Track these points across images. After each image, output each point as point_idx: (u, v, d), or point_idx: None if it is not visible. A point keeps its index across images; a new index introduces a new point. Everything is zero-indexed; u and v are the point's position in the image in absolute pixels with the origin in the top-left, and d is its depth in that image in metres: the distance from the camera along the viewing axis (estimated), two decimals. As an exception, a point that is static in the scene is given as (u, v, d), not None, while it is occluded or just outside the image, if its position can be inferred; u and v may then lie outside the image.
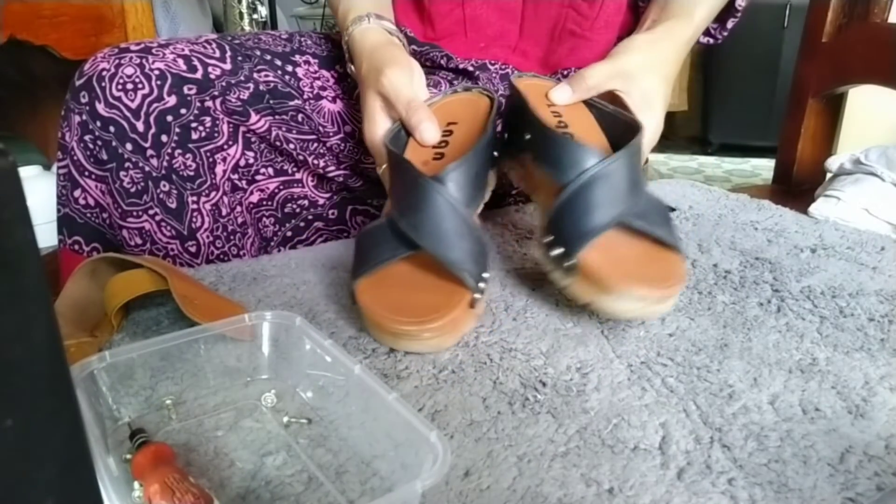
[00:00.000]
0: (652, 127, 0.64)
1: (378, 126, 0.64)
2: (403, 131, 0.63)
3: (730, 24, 0.80)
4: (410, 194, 0.54)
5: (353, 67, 0.70)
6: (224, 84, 0.70)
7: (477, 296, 0.52)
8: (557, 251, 0.53)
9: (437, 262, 0.53)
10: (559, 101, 0.65)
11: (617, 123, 0.62)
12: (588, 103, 0.66)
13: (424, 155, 0.61)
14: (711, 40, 0.82)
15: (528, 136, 0.60)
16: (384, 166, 0.64)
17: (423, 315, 0.50)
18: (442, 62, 0.78)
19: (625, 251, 0.54)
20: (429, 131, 0.61)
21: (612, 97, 0.66)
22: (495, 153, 0.64)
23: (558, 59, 0.82)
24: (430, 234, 0.52)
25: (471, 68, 0.79)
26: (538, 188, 0.62)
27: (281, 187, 0.79)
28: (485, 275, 0.54)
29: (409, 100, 0.62)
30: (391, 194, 0.58)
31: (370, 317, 0.52)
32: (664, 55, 0.69)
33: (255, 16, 1.76)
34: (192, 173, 0.70)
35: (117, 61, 0.66)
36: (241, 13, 1.74)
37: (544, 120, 0.58)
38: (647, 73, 0.66)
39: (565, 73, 0.82)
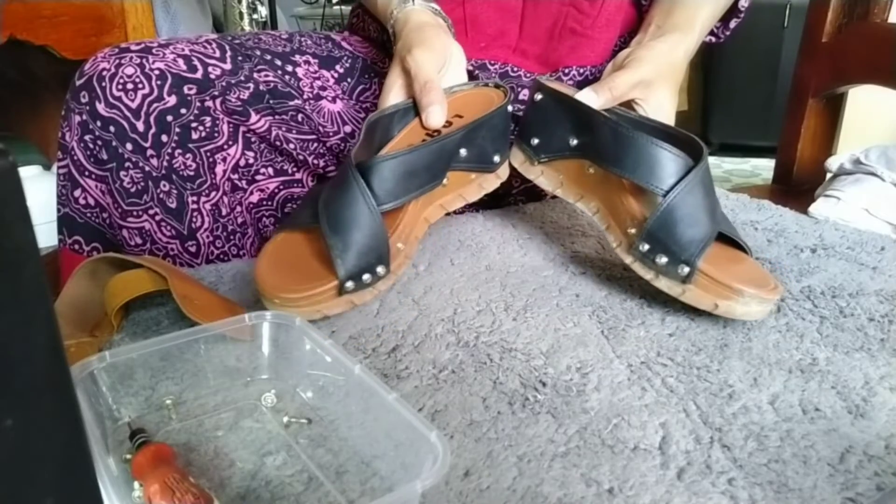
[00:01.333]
0: None
1: (387, 102, 0.65)
2: (414, 110, 0.64)
3: (733, 24, 0.81)
4: (338, 172, 0.57)
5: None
6: (224, 84, 0.70)
7: (349, 284, 0.53)
8: (664, 260, 0.54)
9: None
10: None
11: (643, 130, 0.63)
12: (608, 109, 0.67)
13: (415, 139, 0.62)
14: (714, 39, 0.82)
15: (584, 140, 0.61)
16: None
17: (288, 285, 0.53)
18: None
19: (722, 256, 0.55)
20: (435, 114, 0.62)
21: (629, 106, 0.67)
22: (502, 156, 0.65)
23: (559, 58, 0.82)
24: (328, 214, 0.55)
25: (470, 68, 0.79)
26: (598, 193, 0.62)
27: (281, 187, 0.79)
28: (379, 270, 0.55)
29: (426, 80, 0.62)
30: None
31: (255, 270, 0.55)
32: (676, 64, 0.71)
33: (255, 16, 1.76)
34: (192, 173, 0.70)
35: (117, 61, 0.66)
36: (241, 13, 1.74)
37: (626, 124, 0.59)
38: (663, 82, 0.68)
39: (566, 70, 0.82)
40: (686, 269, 0.53)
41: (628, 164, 0.56)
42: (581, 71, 0.83)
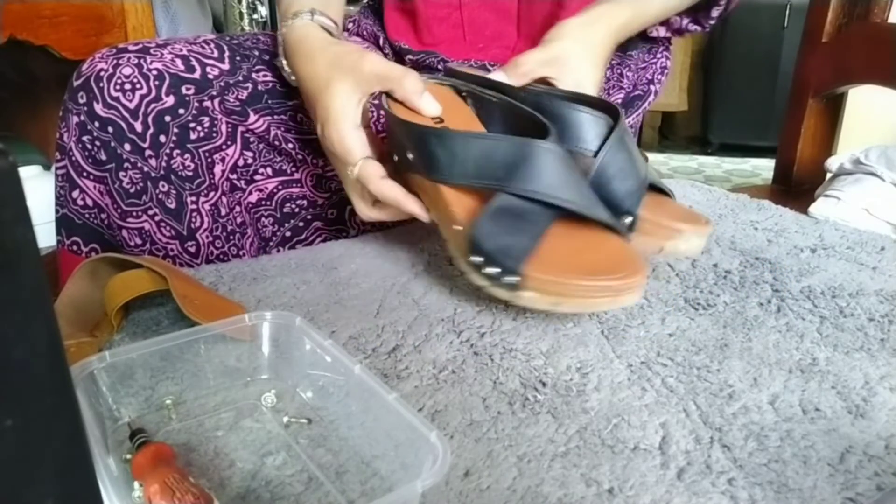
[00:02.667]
0: None
1: (349, 120, 0.61)
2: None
3: (715, 13, 0.78)
4: (526, 163, 0.51)
5: (284, 61, 0.69)
6: (222, 84, 0.70)
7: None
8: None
9: (581, 222, 0.52)
10: None
11: (551, 104, 0.59)
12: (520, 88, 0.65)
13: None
14: (699, 28, 0.81)
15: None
16: (357, 167, 0.61)
17: (620, 270, 0.49)
18: (439, 67, 0.78)
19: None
20: (430, 99, 0.60)
21: (546, 84, 0.66)
22: None
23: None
24: (574, 195, 0.51)
25: (469, 69, 0.79)
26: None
27: (280, 187, 0.79)
28: None
29: (405, 70, 0.61)
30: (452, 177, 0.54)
31: (565, 290, 0.49)
32: (596, 38, 0.69)
33: (255, 16, 1.76)
34: (190, 173, 0.70)
35: (115, 62, 0.66)
36: (241, 13, 1.74)
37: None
38: (579, 59, 0.66)
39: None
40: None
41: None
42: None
